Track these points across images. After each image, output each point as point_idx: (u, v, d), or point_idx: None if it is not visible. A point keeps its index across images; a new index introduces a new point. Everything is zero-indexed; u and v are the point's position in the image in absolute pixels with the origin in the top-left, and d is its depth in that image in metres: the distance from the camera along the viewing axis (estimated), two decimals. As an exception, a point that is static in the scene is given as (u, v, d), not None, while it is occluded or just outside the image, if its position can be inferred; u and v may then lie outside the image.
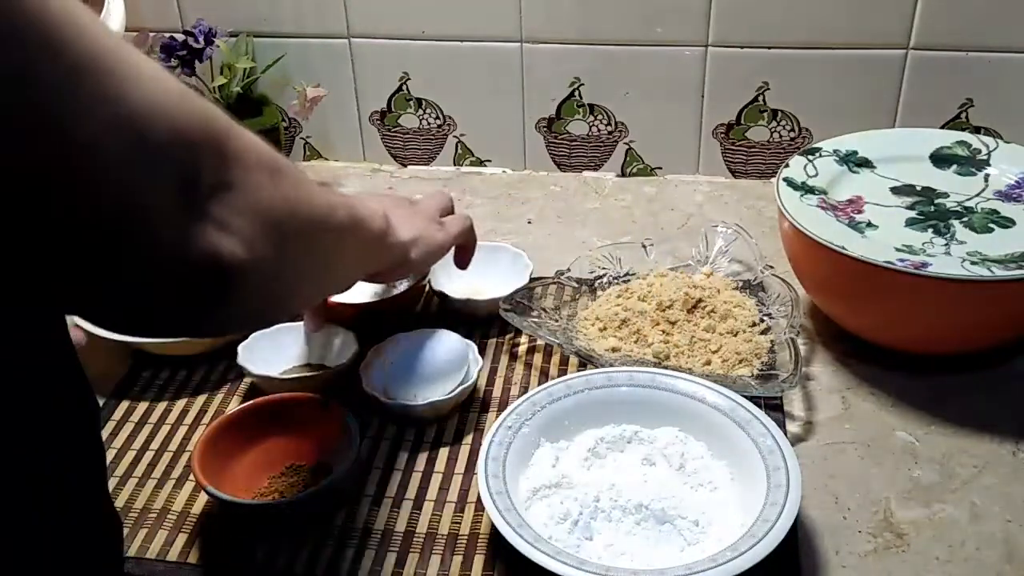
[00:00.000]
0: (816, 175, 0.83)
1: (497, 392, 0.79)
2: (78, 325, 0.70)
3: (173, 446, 0.75)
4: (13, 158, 0.31)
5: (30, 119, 0.31)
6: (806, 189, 0.81)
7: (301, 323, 0.82)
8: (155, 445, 0.75)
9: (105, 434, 0.76)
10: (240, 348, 0.78)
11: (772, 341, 0.79)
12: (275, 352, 0.80)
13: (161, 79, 0.35)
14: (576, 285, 0.87)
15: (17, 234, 0.32)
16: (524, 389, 0.78)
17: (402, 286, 0.85)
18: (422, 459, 0.72)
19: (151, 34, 1.08)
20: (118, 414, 0.78)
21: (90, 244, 0.34)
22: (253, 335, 0.79)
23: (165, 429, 0.76)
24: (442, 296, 0.86)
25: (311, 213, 0.47)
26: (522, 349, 0.83)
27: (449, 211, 0.78)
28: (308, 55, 1.11)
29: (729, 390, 0.70)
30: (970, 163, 0.85)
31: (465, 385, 0.75)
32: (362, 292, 0.85)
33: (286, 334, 0.81)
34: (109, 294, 0.36)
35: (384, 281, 0.78)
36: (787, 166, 0.84)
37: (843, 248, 0.72)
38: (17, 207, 0.32)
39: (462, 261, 0.81)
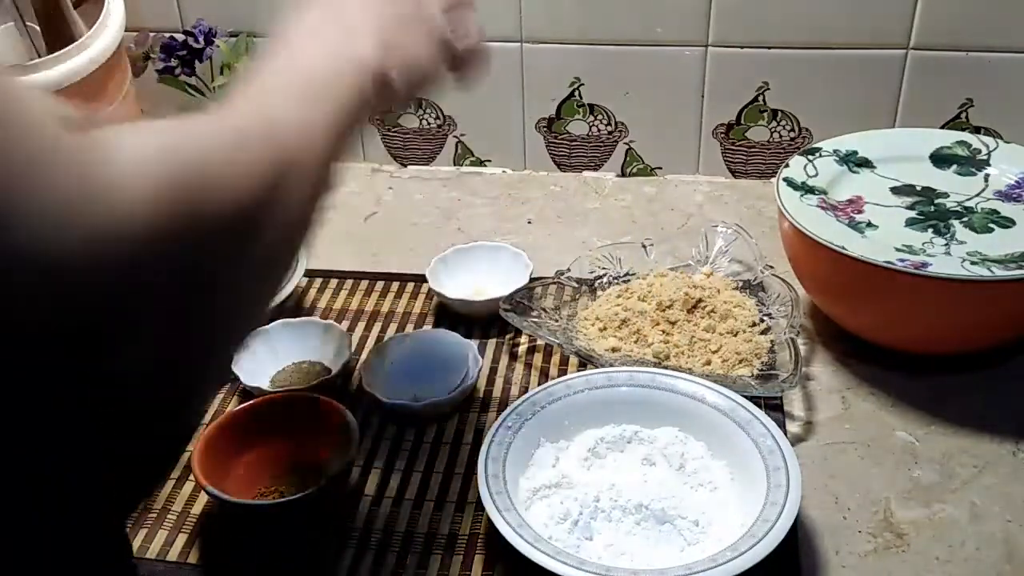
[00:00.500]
0: (816, 175, 0.83)
1: (497, 392, 0.79)
2: None
3: (173, 446, 0.75)
4: None
5: None
6: (806, 189, 0.81)
7: (299, 321, 0.82)
8: (155, 445, 0.75)
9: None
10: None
11: (772, 341, 0.79)
12: (272, 350, 0.80)
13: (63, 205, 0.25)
14: (576, 285, 0.87)
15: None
16: (524, 389, 0.78)
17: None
18: (422, 459, 0.72)
19: (151, 34, 1.08)
20: (118, 414, 0.78)
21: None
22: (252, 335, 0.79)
23: (165, 429, 0.76)
24: (442, 296, 0.86)
25: (300, 218, 0.39)
26: (522, 349, 0.83)
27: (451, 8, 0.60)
28: (308, 55, 1.11)
29: (729, 390, 0.70)
30: (970, 163, 0.85)
31: (465, 385, 0.75)
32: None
33: (283, 332, 0.81)
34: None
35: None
36: (787, 166, 0.84)
37: (843, 248, 0.72)
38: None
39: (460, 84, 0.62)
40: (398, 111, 0.57)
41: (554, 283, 0.87)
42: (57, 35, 0.97)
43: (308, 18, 0.52)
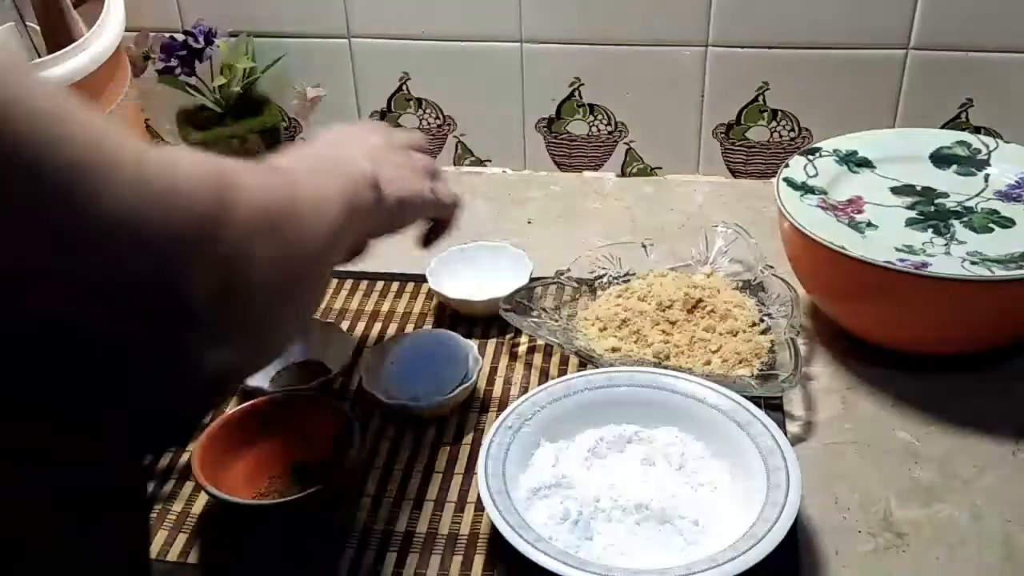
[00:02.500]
0: (816, 175, 0.83)
1: (497, 392, 0.79)
2: None
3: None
4: None
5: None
6: (806, 189, 0.81)
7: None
8: (155, 445, 0.75)
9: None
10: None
11: (772, 341, 0.79)
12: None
13: (141, 182, 0.32)
14: (576, 285, 0.87)
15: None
16: (524, 389, 0.78)
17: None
18: (422, 459, 0.72)
19: (151, 34, 1.08)
20: (118, 414, 0.78)
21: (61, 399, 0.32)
22: None
23: (165, 429, 0.76)
24: (442, 296, 0.86)
25: (309, 255, 0.45)
26: (522, 349, 0.83)
27: (433, 171, 0.70)
28: (308, 55, 1.11)
29: (729, 390, 0.70)
30: (970, 163, 0.85)
31: (465, 385, 0.75)
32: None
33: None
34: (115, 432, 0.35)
35: (372, 237, 0.69)
36: (787, 166, 0.84)
37: (843, 248, 0.72)
38: None
39: (429, 238, 0.73)
40: (378, 235, 0.67)
41: (554, 283, 0.87)
42: (57, 35, 0.97)
43: (309, 147, 0.61)
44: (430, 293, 0.89)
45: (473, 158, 1.16)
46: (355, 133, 0.65)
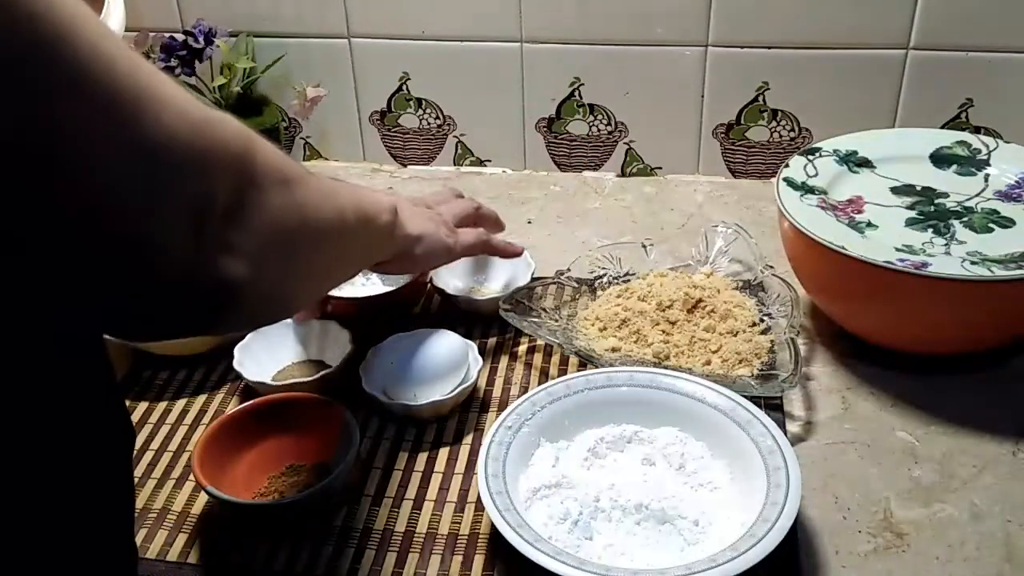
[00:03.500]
0: (816, 175, 0.83)
1: (497, 392, 0.79)
2: None
3: (173, 446, 0.75)
4: (25, 188, 0.31)
5: (45, 152, 0.31)
6: (806, 189, 0.81)
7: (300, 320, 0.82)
8: (155, 445, 0.75)
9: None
10: (236, 350, 0.78)
11: (772, 341, 0.79)
12: (272, 350, 0.80)
13: (179, 108, 0.35)
14: (576, 285, 0.87)
15: (30, 246, 0.33)
16: (524, 389, 0.78)
17: (401, 281, 0.85)
18: (422, 459, 0.72)
19: (151, 34, 1.08)
20: (118, 414, 0.78)
21: (98, 263, 0.34)
22: (249, 335, 0.80)
23: (165, 429, 0.76)
24: (442, 294, 0.86)
25: (320, 222, 0.48)
26: (522, 349, 0.83)
27: (470, 218, 0.79)
28: (308, 55, 1.11)
29: (729, 390, 0.70)
30: (970, 163, 0.85)
31: (465, 385, 0.75)
32: (366, 287, 0.86)
33: (283, 331, 0.81)
34: (114, 307, 0.37)
35: (387, 272, 0.78)
36: (787, 166, 0.84)
37: (843, 248, 0.72)
38: (29, 226, 0.33)
39: (503, 254, 0.83)
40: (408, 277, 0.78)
41: (554, 283, 0.87)
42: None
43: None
44: (432, 292, 0.89)
45: (473, 158, 1.16)
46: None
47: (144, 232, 0.35)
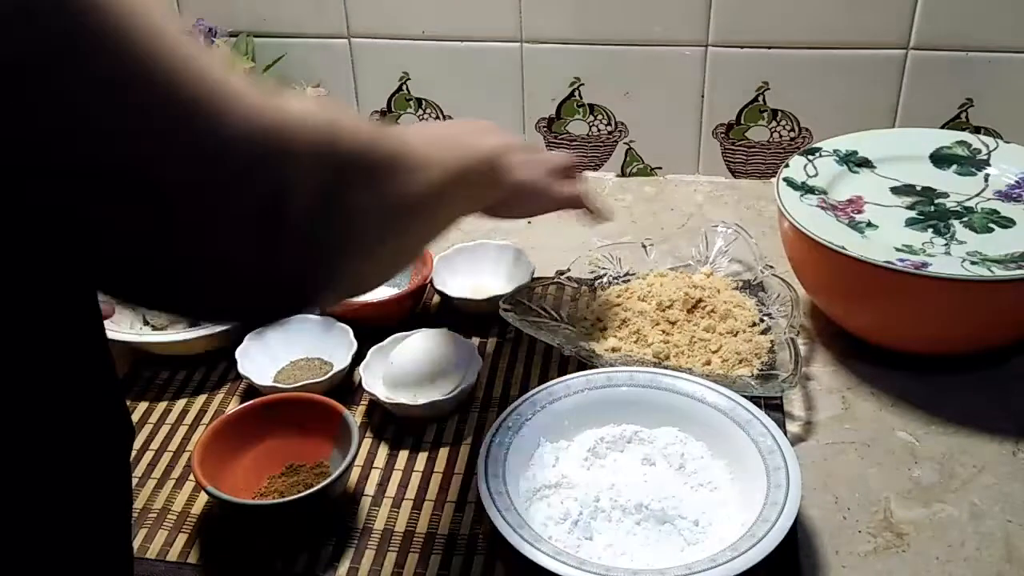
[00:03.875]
0: (816, 175, 0.83)
1: (497, 392, 0.79)
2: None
3: (173, 446, 0.75)
4: (100, 183, 0.31)
5: (129, 155, 0.31)
6: (806, 189, 0.81)
7: (300, 320, 0.82)
8: (155, 445, 0.75)
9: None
10: (237, 353, 0.78)
11: (772, 341, 0.79)
12: (271, 350, 0.80)
13: (248, 109, 0.34)
14: (576, 285, 0.87)
15: (107, 237, 0.33)
16: (524, 389, 0.78)
17: (402, 287, 0.85)
18: (422, 459, 0.72)
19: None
20: (118, 414, 0.78)
21: (170, 268, 0.34)
22: (247, 338, 0.79)
23: (165, 429, 0.76)
24: (442, 295, 0.86)
25: (410, 205, 0.46)
26: (522, 349, 0.83)
27: (569, 171, 0.78)
28: (308, 55, 1.11)
29: (729, 390, 0.70)
30: (970, 163, 0.85)
31: (465, 385, 0.75)
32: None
33: (281, 332, 0.81)
34: (188, 308, 0.37)
35: (493, 216, 0.75)
36: (787, 166, 0.84)
37: (843, 248, 0.72)
38: (106, 216, 0.32)
39: (598, 214, 0.81)
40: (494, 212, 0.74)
41: (554, 283, 0.87)
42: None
43: (435, 126, 0.63)
44: (432, 292, 0.89)
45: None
46: (486, 126, 0.68)
47: (209, 234, 0.34)
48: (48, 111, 0.30)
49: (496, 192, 0.64)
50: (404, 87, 1.12)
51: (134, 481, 0.71)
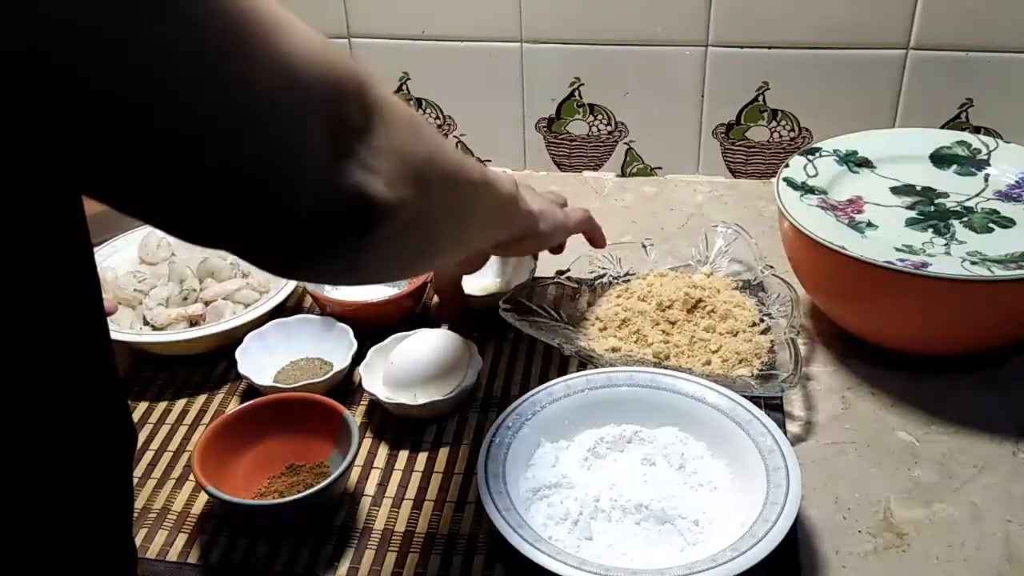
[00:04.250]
0: (816, 175, 0.83)
1: (497, 392, 0.79)
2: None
3: (173, 446, 0.75)
4: (176, 99, 0.32)
5: (196, 65, 0.32)
6: (806, 189, 0.81)
7: (300, 319, 0.82)
8: (155, 445, 0.75)
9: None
10: (237, 353, 0.78)
11: (772, 341, 0.79)
12: (270, 351, 0.80)
13: (309, 33, 0.38)
14: (576, 285, 0.87)
15: (171, 165, 0.34)
16: (524, 389, 0.78)
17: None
18: (422, 459, 0.72)
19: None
20: (118, 414, 0.78)
21: (243, 176, 0.35)
22: (247, 337, 0.79)
23: (165, 429, 0.76)
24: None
25: (447, 164, 0.48)
26: (522, 349, 0.83)
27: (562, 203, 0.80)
28: (308, 55, 1.11)
29: (729, 390, 0.70)
30: (970, 163, 0.85)
31: (465, 385, 0.75)
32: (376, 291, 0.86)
33: (280, 332, 0.81)
34: (256, 224, 0.37)
35: (512, 254, 0.77)
36: (787, 166, 0.84)
37: (843, 248, 0.72)
38: (174, 141, 0.33)
39: (595, 242, 0.83)
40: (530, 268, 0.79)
41: (554, 283, 0.87)
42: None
43: None
44: (431, 292, 0.88)
45: (473, 158, 1.16)
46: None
47: (284, 141, 0.35)
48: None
49: (518, 217, 0.66)
50: (404, 87, 1.12)
51: (134, 481, 0.71)
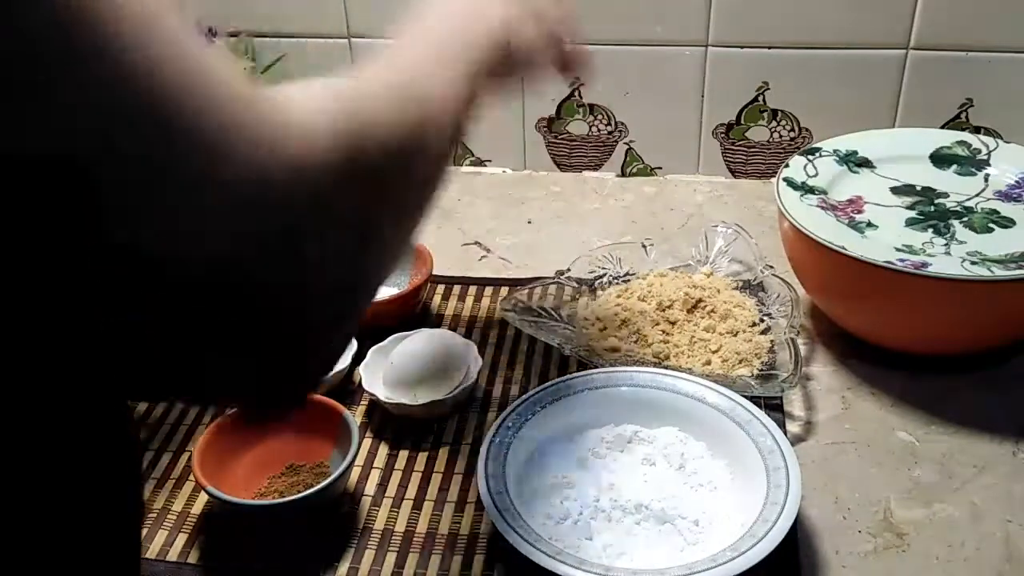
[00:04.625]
0: (816, 175, 0.83)
1: (497, 392, 0.79)
2: None
3: (173, 446, 0.75)
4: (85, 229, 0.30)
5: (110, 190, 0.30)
6: (806, 189, 0.81)
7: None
8: (155, 445, 0.75)
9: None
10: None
11: (772, 341, 0.79)
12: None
13: (271, 144, 0.33)
14: (576, 285, 0.87)
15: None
16: (524, 389, 0.78)
17: (402, 287, 0.85)
18: (422, 459, 0.72)
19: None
20: (118, 414, 0.78)
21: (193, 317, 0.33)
22: None
23: (165, 429, 0.76)
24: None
25: (433, 171, 0.46)
26: (522, 349, 0.83)
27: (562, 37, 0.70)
28: (308, 55, 1.11)
29: (729, 390, 0.70)
30: (970, 163, 0.85)
31: (465, 385, 0.75)
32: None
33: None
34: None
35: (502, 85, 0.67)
36: (787, 166, 0.84)
37: (843, 248, 0.72)
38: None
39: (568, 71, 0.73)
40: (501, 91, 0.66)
41: (554, 283, 0.87)
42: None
43: (434, 17, 0.59)
44: (431, 292, 0.89)
45: (473, 158, 1.16)
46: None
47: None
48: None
49: (497, 72, 0.60)
50: (404, 87, 1.12)
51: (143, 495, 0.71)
